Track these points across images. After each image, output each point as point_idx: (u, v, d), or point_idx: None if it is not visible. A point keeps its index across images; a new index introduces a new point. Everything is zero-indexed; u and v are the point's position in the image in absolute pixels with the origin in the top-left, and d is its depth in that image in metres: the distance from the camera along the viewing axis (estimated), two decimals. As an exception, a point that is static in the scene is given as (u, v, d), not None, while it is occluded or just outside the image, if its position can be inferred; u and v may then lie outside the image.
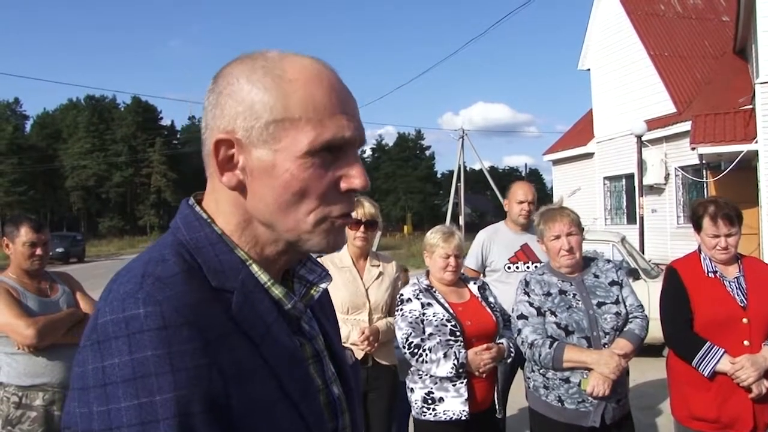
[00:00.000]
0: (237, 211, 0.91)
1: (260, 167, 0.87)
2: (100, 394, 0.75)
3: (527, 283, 3.16)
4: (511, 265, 4.32)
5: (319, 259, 3.67)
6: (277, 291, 0.91)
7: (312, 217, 0.89)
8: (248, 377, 0.82)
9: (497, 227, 4.60)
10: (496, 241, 4.43)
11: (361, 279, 3.57)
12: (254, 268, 0.91)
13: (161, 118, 76.49)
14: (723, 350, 2.87)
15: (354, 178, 0.90)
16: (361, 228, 3.53)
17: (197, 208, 0.93)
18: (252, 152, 0.87)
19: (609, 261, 3.32)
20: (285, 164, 0.86)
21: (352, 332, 3.42)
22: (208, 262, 0.87)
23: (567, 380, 2.98)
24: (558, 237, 3.09)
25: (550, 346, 2.95)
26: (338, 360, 1.04)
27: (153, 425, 0.73)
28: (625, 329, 3.03)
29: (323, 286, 1.00)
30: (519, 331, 3.09)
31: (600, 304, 3.03)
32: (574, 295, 3.05)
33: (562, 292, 3.06)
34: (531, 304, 3.09)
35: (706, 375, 2.87)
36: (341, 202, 0.90)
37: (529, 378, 3.17)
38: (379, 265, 3.66)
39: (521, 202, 4.38)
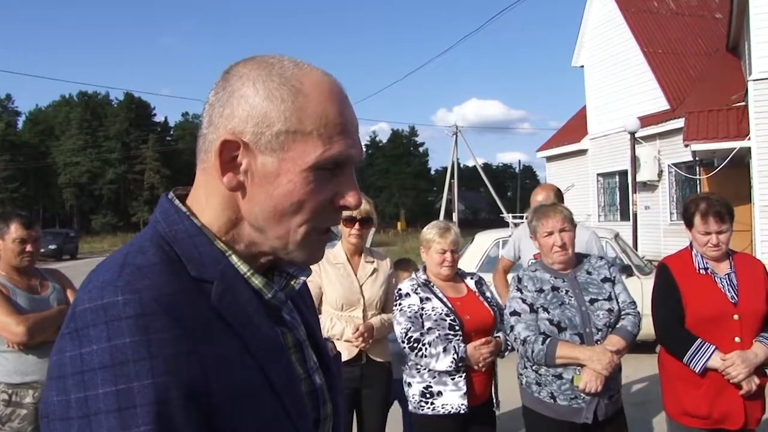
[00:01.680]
0: (227, 210, 0.91)
1: (263, 173, 0.88)
2: (77, 381, 0.75)
3: (520, 280, 3.16)
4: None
5: None
6: (257, 281, 0.92)
7: (303, 229, 0.91)
8: (229, 366, 0.82)
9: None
10: (528, 237, 4.46)
11: (356, 275, 3.56)
12: (234, 258, 0.91)
13: (154, 115, 76.26)
14: (714, 347, 2.88)
15: (349, 197, 0.93)
16: (356, 225, 3.52)
17: (176, 202, 0.94)
18: (257, 157, 0.88)
19: (602, 258, 3.32)
20: (289, 175, 0.88)
21: (347, 329, 3.41)
22: (187, 253, 0.87)
23: (560, 376, 2.99)
24: (551, 233, 3.09)
25: (543, 343, 2.96)
26: (320, 350, 1.05)
27: (130, 411, 0.73)
28: (617, 326, 3.04)
29: (302, 277, 1.00)
30: (511, 328, 3.09)
31: (592, 301, 3.03)
32: (567, 291, 3.05)
33: (554, 288, 3.07)
34: (524, 301, 3.09)
35: (697, 371, 2.89)
36: (331, 217, 0.93)
37: (521, 374, 3.18)
38: (373, 262, 3.66)
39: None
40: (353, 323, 3.44)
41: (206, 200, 0.92)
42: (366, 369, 3.48)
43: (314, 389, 0.99)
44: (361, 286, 3.54)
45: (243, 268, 0.91)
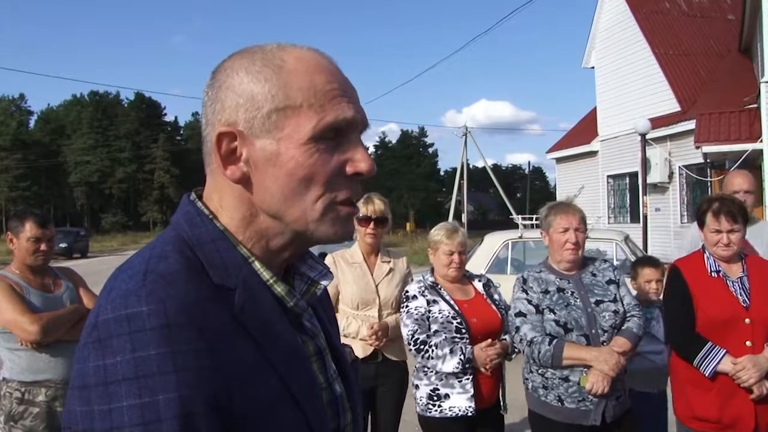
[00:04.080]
0: (242, 206, 0.90)
1: (264, 157, 0.87)
2: (101, 393, 0.73)
3: (525, 281, 3.15)
4: None
5: (331, 255, 3.72)
6: (279, 288, 0.91)
7: (320, 205, 0.88)
8: (251, 376, 0.81)
9: (762, 226, 4.11)
10: (764, 241, 3.88)
11: (372, 275, 3.62)
12: (257, 265, 0.90)
13: (165, 114, 76.73)
14: (724, 350, 2.86)
15: (359, 162, 0.89)
16: (371, 224, 3.58)
17: (199, 204, 0.92)
18: (255, 143, 0.87)
19: (605, 260, 3.32)
20: (289, 152, 0.86)
21: (362, 328, 3.47)
22: (210, 258, 0.86)
23: (566, 379, 2.98)
24: (566, 230, 3.08)
25: (550, 344, 2.95)
26: (339, 357, 1.03)
27: (155, 425, 0.72)
28: (623, 327, 3.04)
29: (324, 283, 0.99)
30: (517, 329, 3.08)
31: (598, 303, 3.03)
32: (572, 293, 3.05)
33: (560, 289, 3.06)
34: (529, 302, 3.08)
35: (707, 375, 2.87)
36: (346, 187, 0.90)
37: (527, 379, 3.15)
38: (389, 262, 3.72)
39: (736, 192, 3.90)
40: (368, 322, 3.49)
41: (220, 202, 0.91)
42: (381, 367, 3.53)
43: (335, 398, 0.97)
44: (376, 286, 3.60)
45: (266, 275, 0.90)
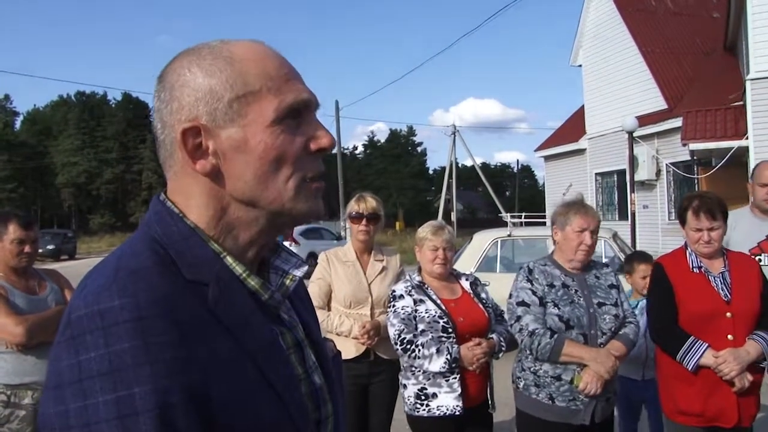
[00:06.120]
0: (212, 201, 0.90)
1: (232, 146, 0.88)
2: (76, 391, 0.73)
3: (531, 271, 3.14)
4: (753, 257, 3.60)
5: (324, 254, 3.74)
6: (252, 282, 0.91)
7: (292, 182, 0.90)
8: (228, 368, 0.81)
9: (741, 212, 4.01)
10: (738, 229, 3.80)
11: (364, 273, 3.63)
12: (229, 260, 0.90)
13: (152, 114, 76.17)
14: (706, 344, 2.90)
15: (321, 138, 0.92)
16: (363, 221, 3.59)
17: (168, 204, 0.92)
18: (221, 134, 0.88)
19: (607, 265, 3.34)
20: (257, 137, 0.88)
21: (354, 326, 3.48)
22: (181, 255, 0.86)
23: (558, 377, 2.98)
24: (583, 231, 3.06)
25: (551, 337, 2.95)
26: (319, 349, 1.03)
27: (132, 418, 0.72)
28: (620, 332, 3.06)
29: (298, 273, 0.99)
30: (518, 318, 3.05)
31: (600, 305, 3.04)
32: (576, 291, 3.05)
33: (564, 285, 3.06)
34: (534, 293, 3.06)
35: (689, 369, 2.90)
36: (313, 163, 0.93)
37: (519, 378, 3.15)
38: (382, 260, 3.73)
39: (765, 185, 3.78)
40: (361, 321, 3.50)
41: (187, 199, 0.91)
42: (373, 366, 3.54)
43: (314, 389, 0.98)
44: (369, 285, 3.61)
45: (238, 269, 0.90)
